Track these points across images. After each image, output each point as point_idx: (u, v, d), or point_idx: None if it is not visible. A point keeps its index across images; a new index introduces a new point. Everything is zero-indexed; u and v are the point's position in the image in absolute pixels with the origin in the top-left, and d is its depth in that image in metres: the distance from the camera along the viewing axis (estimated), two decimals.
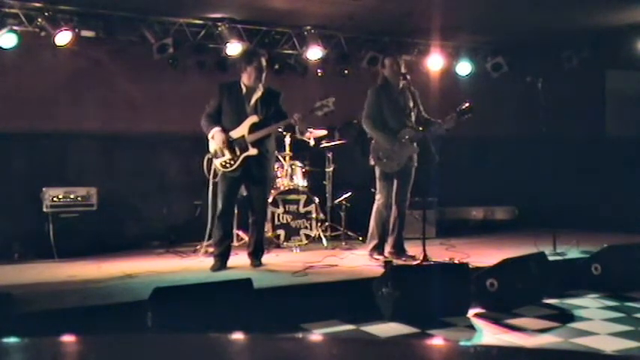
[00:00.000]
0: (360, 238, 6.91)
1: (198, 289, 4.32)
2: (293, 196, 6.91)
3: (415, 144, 5.91)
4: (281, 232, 6.81)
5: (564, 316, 4.81)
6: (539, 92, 6.43)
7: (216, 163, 5.59)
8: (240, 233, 7.00)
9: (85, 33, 6.87)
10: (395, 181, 5.96)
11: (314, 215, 6.94)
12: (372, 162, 5.95)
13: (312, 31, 7.70)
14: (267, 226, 6.50)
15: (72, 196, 6.59)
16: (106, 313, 4.25)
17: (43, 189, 6.53)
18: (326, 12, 7.13)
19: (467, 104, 5.77)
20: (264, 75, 5.56)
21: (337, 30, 7.88)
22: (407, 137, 5.83)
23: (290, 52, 7.95)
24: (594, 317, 4.73)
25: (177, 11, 7.14)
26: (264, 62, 5.57)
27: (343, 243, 7.00)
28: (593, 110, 8.97)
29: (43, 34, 6.65)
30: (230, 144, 5.46)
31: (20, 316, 4.05)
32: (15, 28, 6.52)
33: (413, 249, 6.02)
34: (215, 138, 5.47)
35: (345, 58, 8.19)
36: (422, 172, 6.07)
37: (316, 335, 4.11)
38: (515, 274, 4.99)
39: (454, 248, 6.65)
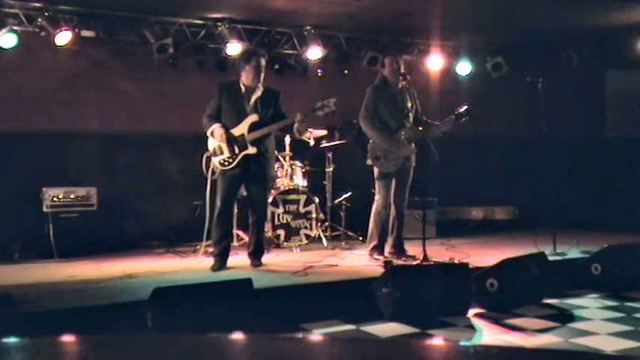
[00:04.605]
0: (360, 238, 6.91)
1: (198, 289, 4.32)
2: (293, 196, 6.91)
3: (413, 144, 5.91)
4: (281, 232, 6.81)
5: (564, 316, 4.81)
6: (539, 92, 6.43)
7: (215, 161, 5.59)
8: (240, 233, 7.00)
9: (85, 33, 6.87)
10: (393, 181, 5.95)
11: (314, 215, 6.94)
12: (369, 162, 5.95)
13: (312, 31, 7.70)
14: (267, 226, 6.50)
15: (72, 196, 6.59)
16: (106, 313, 4.25)
17: (43, 189, 6.53)
18: (326, 12, 7.13)
19: (465, 107, 5.77)
20: (262, 75, 5.56)
21: (337, 30, 7.88)
22: (403, 136, 5.82)
23: (290, 52, 7.95)
24: (594, 317, 4.73)
25: (177, 11, 7.13)
26: (263, 62, 5.56)
27: (343, 243, 7.01)
28: (593, 110, 8.96)
29: (43, 34, 6.64)
30: (229, 141, 5.46)
31: (20, 316, 4.05)
32: (15, 28, 6.52)
33: (413, 249, 6.02)
34: (215, 133, 5.48)
35: (345, 58, 8.19)
36: (422, 172, 6.07)
37: (316, 335, 4.11)
38: (515, 274, 4.99)
39: (454, 248, 6.65)
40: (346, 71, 8.24)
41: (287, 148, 7.00)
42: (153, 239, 7.34)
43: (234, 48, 7.27)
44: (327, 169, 7.43)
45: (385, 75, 5.98)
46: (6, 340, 1.55)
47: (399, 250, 6.04)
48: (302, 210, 6.91)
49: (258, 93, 5.57)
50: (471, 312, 4.81)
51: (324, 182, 7.45)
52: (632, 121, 8.69)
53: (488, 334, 4.36)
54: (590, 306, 5.08)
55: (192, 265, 5.83)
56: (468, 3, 6.91)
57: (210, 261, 5.68)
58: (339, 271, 5.52)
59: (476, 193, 8.35)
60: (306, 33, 7.73)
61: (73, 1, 6.61)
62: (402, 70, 5.94)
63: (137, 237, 7.32)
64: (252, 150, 5.47)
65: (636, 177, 8.04)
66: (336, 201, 7.37)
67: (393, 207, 6.00)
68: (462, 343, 3.90)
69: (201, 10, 7.16)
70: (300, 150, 7.21)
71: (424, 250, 5.73)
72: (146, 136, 7.56)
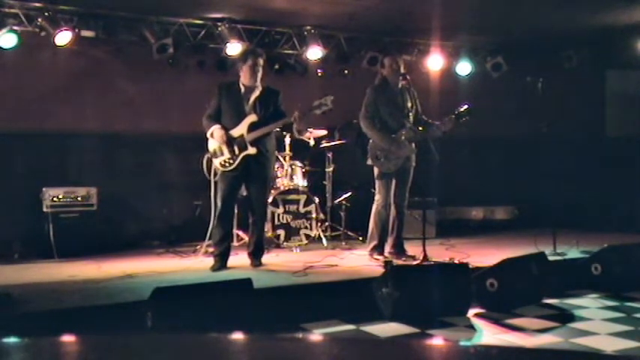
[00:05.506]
0: (360, 238, 6.91)
1: (198, 289, 4.32)
2: (293, 196, 6.91)
3: (413, 144, 5.91)
4: (281, 232, 6.81)
5: (564, 316, 4.81)
6: (539, 92, 6.44)
7: (216, 162, 5.59)
8: (240, 233, 7.00)
9: (85, 33, 6.87)
10: (393, 181, 5.95)
11: (314, 215, 6.93)
12: (369, 162, 5.95)
13: (312, 31, 7.70)
14: (267, 226, 6.50)
15: (72, 196, 6.59)
16: (106, 313, 4.25)
17: (43, 189, 6.53)
18: (326, 12, 7.14)
19: (465, 107, 5.77)
20: (259, 74, 5.55)
21: (337, 30, 7.88)
22: (403, 136, 5.82)
23: (290, 52, 7.95)
24: (594, 317, 4.73)
25: (177, 11, 7.14)
26: (260, 61, 5.54)
27: (343, 243, 7.00)
28: (593, 110, 8.96)
29: (43, 34, 6.64)
30: (229, 142, 5.46)
31: (20, 316, 4.05)
32: (15, 28, 6.52)
33: (413, 249, 6.02)
34: (214, 135, 5.48)
35: (345, 58, 8.19)
36: (422, 172, 6.07)
37: (316, 335, 4.11)
38: (515, 274, 4.98)
39: (454, 248, 6.65)
40: (346, 71, 8.25)
41: (287, 148, 7.00)
42: (153, 239, 7.35)
43: (234, 48, 7.27)
44: (327, 169, 7.43)
45: (385, 75, 5.98)
46: (6, 340, 1.55)
47: (399, 250, 6.03)
48: (302, 210, 6.91)
49: (257, 92, 5.56)
50: (471, 312, 4.80)
51: (324, 182, 7.45)
52: (632, 121, 8.69)
53: (489, 334, 4.36)
54: (590, 306, 5.08)
55: (192, 265, 5.83)
56: (468, 3, 6.92)
57: (210, 261, 5.68)
58: (339, 271, 5.52)
59: (476, 193, 8.35)
60: (306, 33, 7.73)
61: (73, 1, 6.61)
62: (402, 70, 5.94)
63: (137, 237, 7.32)
64: (252, 150, 5.46)
65: (636, 177, 8.04)
66: (336, 201, 7.37)
67: (393, 207, 6.00)
68: (462, 343, 3.90)
69: (201, 10, 7.16)
70: (300, 150, 7.21)
71: (424, 250, 5.72)
72: (146, 136, 7.56)
